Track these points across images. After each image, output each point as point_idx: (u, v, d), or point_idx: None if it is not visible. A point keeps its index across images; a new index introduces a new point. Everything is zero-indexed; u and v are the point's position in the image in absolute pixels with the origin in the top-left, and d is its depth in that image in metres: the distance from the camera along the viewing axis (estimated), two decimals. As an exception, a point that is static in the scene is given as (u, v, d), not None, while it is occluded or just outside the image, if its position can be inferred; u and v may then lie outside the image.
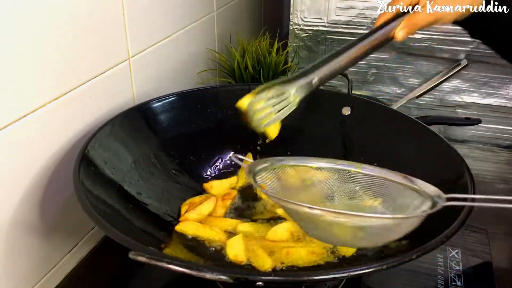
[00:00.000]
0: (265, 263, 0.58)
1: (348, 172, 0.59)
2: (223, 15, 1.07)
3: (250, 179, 0.55)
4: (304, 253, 0.60)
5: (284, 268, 0.58)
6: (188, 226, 0.64)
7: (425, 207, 0.50)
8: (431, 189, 0.52)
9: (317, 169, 0.60)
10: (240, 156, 0.60)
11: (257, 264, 0.59)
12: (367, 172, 0.58)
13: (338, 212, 0.48)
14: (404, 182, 0.55)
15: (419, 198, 0.53)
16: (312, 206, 0.49)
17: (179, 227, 0.64)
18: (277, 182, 0.59)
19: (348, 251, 0.61)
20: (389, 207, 0.56)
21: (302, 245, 0.61)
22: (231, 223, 0.66)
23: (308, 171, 0.60)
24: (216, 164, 0.78)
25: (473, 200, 0.52)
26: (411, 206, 0.53)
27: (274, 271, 0.57)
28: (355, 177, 0.59)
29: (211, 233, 0.63)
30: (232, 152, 0.58)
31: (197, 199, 0.70)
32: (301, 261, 0.59)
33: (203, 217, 0.66)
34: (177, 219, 0.66)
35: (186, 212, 0.67)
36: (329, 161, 0.60)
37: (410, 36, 1.01)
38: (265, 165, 0.59)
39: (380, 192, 0.57)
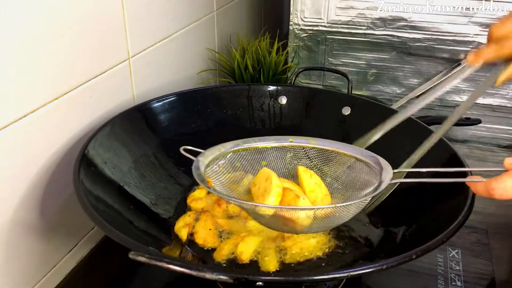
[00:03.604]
0: (271, 265, 0.59)
1: (302, 148, 0.61)
2: (223, 15, 1.07)
3: (196, 175, 0.54)
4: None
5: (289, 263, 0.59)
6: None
7: (376, 183, 0.53)
8: (382, 164, 0.54)
9: (272, 149, 0.62)
10: (189, 148, 0.59)
11: (263, 264, 0.59)
12: (320, 147, 0.61)
13: (279, 208, 0.51)
14: (357, 156, 0.57)
15: (370, 173, 0.55)
16: (255, 204, 0.52)
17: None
18: (231, 169, 0.60)
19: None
20: (343, 182, 0.59)
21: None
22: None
23: (262, 152, 0.62)
24: (216, 164, 0.78)
25: (419, 174, 0.53)
26: (362, 182, 0.56)
27: (274, 271, 0.57)
28: (309, 153, 0.61)
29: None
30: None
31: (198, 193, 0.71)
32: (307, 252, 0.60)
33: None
34: (177, 218, 0.66)
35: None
36: (281, 138, 0.62)
37: (410, 36, 1.02)
38: (217, 153, 0.59)
39: (334, 168, 0.60)
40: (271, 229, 0.59)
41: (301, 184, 0.59)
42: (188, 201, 0.69)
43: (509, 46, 0.51)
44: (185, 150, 0.59)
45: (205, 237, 0.62)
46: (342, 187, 0.59)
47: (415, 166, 0.55)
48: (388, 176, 0.52)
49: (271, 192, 0.54)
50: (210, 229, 0.63)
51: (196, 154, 0.58)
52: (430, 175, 0.56)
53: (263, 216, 0.52)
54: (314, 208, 0.52)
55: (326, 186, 0.59)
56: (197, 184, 0.71)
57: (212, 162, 0.58)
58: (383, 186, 0.51)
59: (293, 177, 0.61)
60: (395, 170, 0.53)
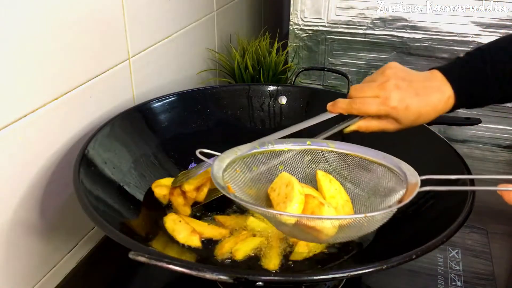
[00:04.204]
0: (272, 264, 0.58)
1: (320, 152, 0.59)
2: (223, 15, 1.07)
3: (216, 181, 0.52)
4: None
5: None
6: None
7: (401, 190, 0.51)
8: (409, 172, 0.52)
9: (289, 152, 0.59)
10: (205, 151, 0.56)
11: (264, 262, 0.59)
12: (339, 150, 0.59)
13: (304, 217, 0.48)
14: (380, 162, 0.55)
15: (394, 179, 0.53)
16: (280, 213, 0.49)
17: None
18: (248, 173, 0.57)
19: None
20: (364, 188, 0.57)
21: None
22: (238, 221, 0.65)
23: (280, 155, 0.59)
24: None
25: (448, 182, 0.51)
26: (386, 188, 0.54)
27: (274, 271, 0.57)
28: (327, 157, 0.59)
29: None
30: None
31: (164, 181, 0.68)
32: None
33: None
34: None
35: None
36: (299, 141, 0.60)
37: (410, 36, 1.02)
38: (233, 156, 0.56)
39: (354, 173, 0.58)
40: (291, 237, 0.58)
41: (321, 189, 0.56)
42: (153, 186, 0.67)
43: (358, 106, 0.59)
44: (201, 153, 0.56)
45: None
46: (364, 193, 0.57)
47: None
48: (416, 184, 0.49)
49: (294, 199, 0.52)
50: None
51: (209, 156, 0.57)
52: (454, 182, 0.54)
53: (286, 225, 0.50)
54: (341, 218, 0.49)
55: (346, 192, 0.57)
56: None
57: (229, 166, 0.56)
58: (413, 195, 0.48)
59: (311, 181, 0.59)
60: (423, 177, 0.50)
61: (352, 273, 0.44)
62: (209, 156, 0.56)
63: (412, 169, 0.52)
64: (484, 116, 1.01)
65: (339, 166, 0.59)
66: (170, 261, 0.42)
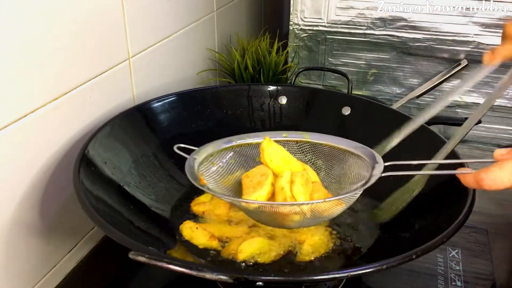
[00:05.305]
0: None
1: (296, 143, 0.62)
2: (223, 15, 1.07)
3: (189, 173, 0.55)
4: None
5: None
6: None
7: (367, 175, 0.53)
8: (376, 157, 0.55)
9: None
10: (183, 146, 0.60)
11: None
12: (314, 141, 0.61)
13: (273, 205, 0.52)
14: (350, 150, 0.58)
15: (364, 167, 0.55)
16: (248, 201, 0.53)
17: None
18: (225, 166, 0.60)
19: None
20: (336, 177, 0.60)
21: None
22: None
23: (256, 147, 0.62)
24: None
25: (408, 167, 0.53)
26: (355, 175, 0.56)
27: (274, 271, 0.57)
28: (303, 147, 0.62)
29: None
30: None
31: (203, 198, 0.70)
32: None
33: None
34: (177, 218, 0.66)
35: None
36: (275, 134, 0.63)
37: (410, 36, 1.02)
38: (211, 150, 0.60)
39: (328, 161, 0.61)
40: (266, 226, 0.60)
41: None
42: (192, 204, 0.69)
43: None
44: (179, 148, 0.59)
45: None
46: (336, 181, 0.60)
47: (403, 157, 0.55)
48: (379, 169, 0.52)
49: (264, 187, 0.54)
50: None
51: (190, 152, 0.59)
52: (420, 168, 0.57)
53: (252, 211, 0.53)
54: (296, 204, 0.52)
55: (320, 180, 0.60)
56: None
57: (206, 159, 0.58)
58: (373, 180, 0.52)
59: None
60: (387, 163, 0.53)
61: (352, 273, 0.44)
62: (188, 151, 0.59)
63: (378, 155, 0.55)
64: (484, 116, 1.01)
65: (314, 156, 0.62)
66: (170, 261, 0.42)
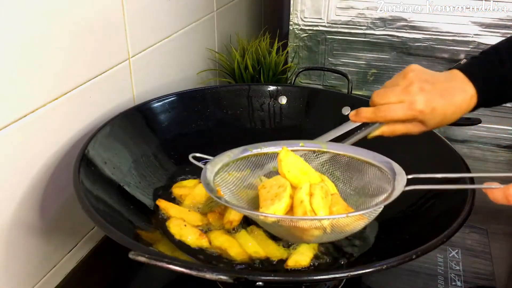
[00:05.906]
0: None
1: (313, 153, 0.60)
2: (223, 15, 1.07)
3: (205, 184, 0.53)
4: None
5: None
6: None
7: (389, 189, 0.52)
8: (396, 169, 0.53)
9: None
10: (198, 155, 0.58)
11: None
12: (331, 151, 0.59)
13: (293, 219, 0.49)
14: (371, 161, 0.56)
15: (384, 178, 0.54)
16: (267, 215, 0.50)
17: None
18: (240, 177, 0.58)
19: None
20: (355, 188, 0.58)
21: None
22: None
23: (273, 157, 0.60)
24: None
25: (432, 180, 0.52)
26: (375, 188, 0.55)
27: (274, 271, 0.57)
28: (320, 157, 0.60)
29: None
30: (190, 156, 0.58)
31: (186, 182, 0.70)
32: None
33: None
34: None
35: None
36: (292, 143, 0.60)
37: (410, 36, 1.02)
38: (226, 160, 0.57)
39: (346, 172, 0.59)
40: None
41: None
42: (174, 186, 0.69)
43: (384, 113, 0.57)
44: (194, 157, 0.57)
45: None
46: (355, 193, 0.58)
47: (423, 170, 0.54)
48: (401, 183, 0.50)
49: (282, 199, 0.52)
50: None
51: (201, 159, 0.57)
52: (441, 181, 0.55)
53: (270, 224, 0.51)
54: (317, 218, 0.50)
55: (338, 192, 0.58)
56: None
57: (221, 169, 0.56)
58: (396, 194, 0.50)
59: None
60: (409, 176, 0.52)
61: (352, 273, 0.44)
62: (202, 160, 0.58)
63: (399, 167, 0.53)
64: (484, 116, 1.02)
65: (332, 166, 0.60)
66: (170, 261, 0.42)
